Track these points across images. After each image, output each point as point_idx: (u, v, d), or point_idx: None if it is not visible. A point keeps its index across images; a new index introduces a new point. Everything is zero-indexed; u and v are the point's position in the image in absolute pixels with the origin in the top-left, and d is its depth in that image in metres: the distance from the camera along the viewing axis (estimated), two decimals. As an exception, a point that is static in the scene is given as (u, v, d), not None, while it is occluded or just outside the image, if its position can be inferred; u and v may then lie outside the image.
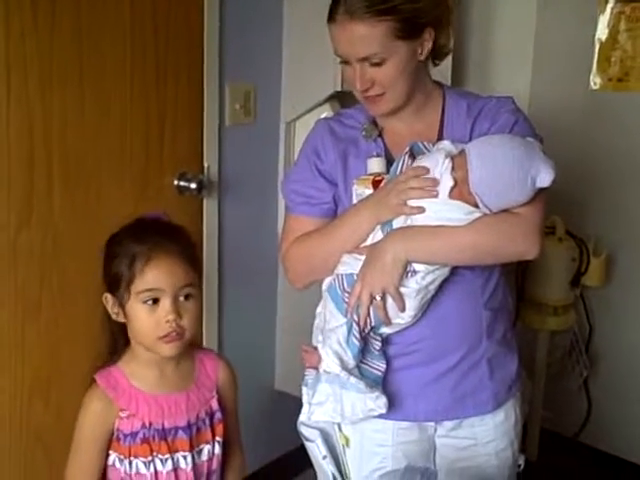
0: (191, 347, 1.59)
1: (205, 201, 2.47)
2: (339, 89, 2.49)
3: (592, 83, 2.97)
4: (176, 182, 2.36)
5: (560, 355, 3.13)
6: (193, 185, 2.35)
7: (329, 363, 1.49)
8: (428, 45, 1.57)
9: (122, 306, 1.48)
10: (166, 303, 1.46)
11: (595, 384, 3.16)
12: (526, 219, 1.50)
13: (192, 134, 2.39)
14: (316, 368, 1.54)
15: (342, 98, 2.52)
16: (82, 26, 2.04)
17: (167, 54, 2.26)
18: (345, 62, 1.56)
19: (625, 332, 3.06)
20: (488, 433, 1.69)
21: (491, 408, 1.67)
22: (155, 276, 1.45)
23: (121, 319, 1.51)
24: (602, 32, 2.92)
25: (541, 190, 1.48)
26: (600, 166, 3.00)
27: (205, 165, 2.43)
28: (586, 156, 2.99)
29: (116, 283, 1.47)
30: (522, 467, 1.81)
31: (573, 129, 3.00)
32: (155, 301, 1.46)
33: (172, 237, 1.51)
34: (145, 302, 1.46)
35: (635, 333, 3.03)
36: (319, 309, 1.60)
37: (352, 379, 1.49)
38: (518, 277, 2.99)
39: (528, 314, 2.98)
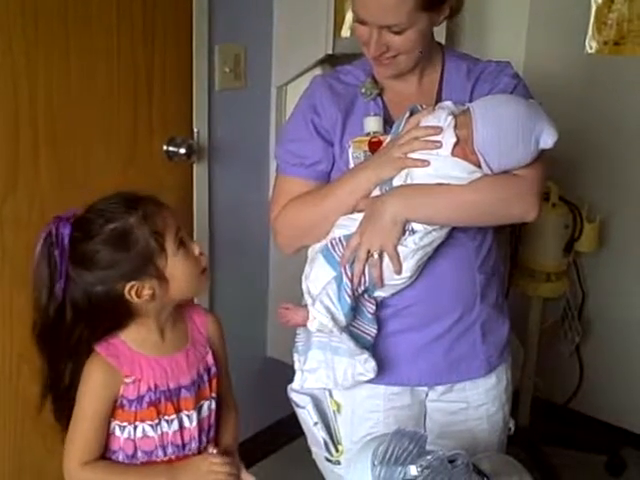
0: (181, 306, 1.59)
1: (195, 167, 2.44)
2: (331, 52, 2.45)
3: (588, 47, 2.93)
4: (165, 147, 2.33)
5: (553, 322, 3.13)
6: (182, 150, 2.31)
7: (321, 319, 1.47)
8: (445, 13, 1.56)
9: (160, 276, 1.45)
10: (188, 239, 1.50)
11: (587, 351, 3.16)
12: (527, 181, 1.49)
13: (181, 98, 2.36)
14: (300, 325, 1.53)
15: (334, 61, 2.48)
16: (67, -13, 1.99)
17: (155, 15, 2.22)
18: (361, 22, 1.53)
19: (618, 298, 3.06)
20: (479, 397, 1.70)
21: (484, 372, 1.68)
22: (171, 219, 1.47)
23: (150, 298, 1.46)
24: (598, -6, 2.88)
25: (542, 153, 1.47)
26: (595, 131, 2.97)
27: (195, 130, 2.40)
28: (581, 121, 2.96)
29: (147, 260, 1.43)
30: (512, 431, 1.82)
31: (568, 93, 2.97)
32: (181, 244, 1.47)
33: (137, 193, 1.49)
34: (177, 250, 1.46)
35: (628, 299, 3.04)
36: (306, 272, 1.58)
37: (343, 336, 1.48)
38: (511, 243, 2.98)
39: (521, 281, 2.97)
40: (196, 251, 1.50)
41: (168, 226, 1.46)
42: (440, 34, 2.52)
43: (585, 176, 3.02)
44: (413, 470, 1.19)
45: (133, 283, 1.43)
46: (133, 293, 1.44)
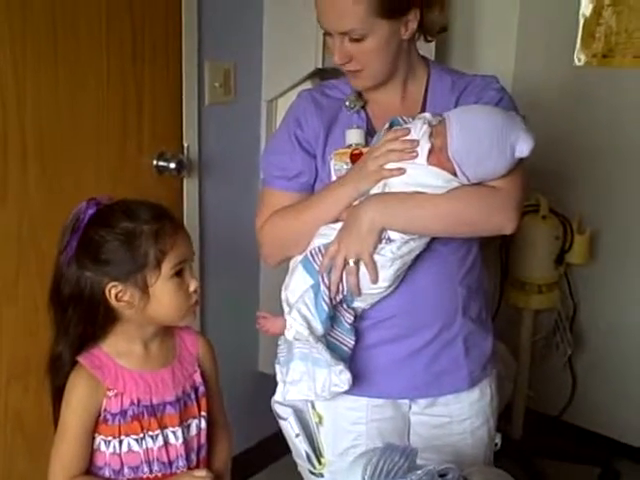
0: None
1: (185, 181, 2.44)
2: (320, 66, 2.46)
3: (576, 59, 2.95)
4: (155, 162, 2.33)
5: (544, 334, 3.13)
6: (172, 165, 2.32)
7: (297, 327, 1.47)
8: (413, 25, 1.55)
9: (144, 289, 1.45)
10: (188, 273, 1.50)
11: (579, 362, 3.16)
12: (505, 193, 1.49)
13: (171, 113, 2.36)
14: (278, 334, 1.54)
15: (323, 75, 2.49)
16: (55, 2, 1.99)
17: (144, 30, 2.22)
18: (327, 33, 1.55)
19: (609, 310, 3.06)
20: (463, 411, 1.69)
21: (466, 386, 1.67)
22: (182, 248, 1.49)
23: (127, 307, 1.47)
24: (586, 8, 2.90)
25: (520, 163, 1.47)
26: (584, 143, 2.98)
27: (185, 145, 2.40)
28: (570, 133, 2.98)
29: (138, 269, 1.44)
30: (499, 446, 1.81)
31: (557, 106, 2.98)
32: (178, 273, 1.47)
33: (167, 211, 1.52)
34: (172, 277, 1.46)
35: (619, 310, 3.04)
36: (286, 282, 1.58)
37: (319, 346, 1.47)
38: (502, 256, 2.99)
39: (512, 293, 2.98)
40: (191, 287, 1.50)
41: (174, 251, 1.46)
42: (429, 48, 2.54)
43: (575, 188, 3.03)
44: (404, 484, 1.18)
45: (116, 284, 1.44)
46: (113, 293, 1.45)
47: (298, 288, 1.53)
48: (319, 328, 1.48)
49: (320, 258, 1.52)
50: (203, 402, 1.59)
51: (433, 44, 2.64)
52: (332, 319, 1.51)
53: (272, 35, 2.57)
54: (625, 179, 2.94)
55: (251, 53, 2.57)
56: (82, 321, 1.49)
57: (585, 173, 3.01)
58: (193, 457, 1.57)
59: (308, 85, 2.51)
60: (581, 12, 2.91)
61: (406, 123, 1.54)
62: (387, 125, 1.54)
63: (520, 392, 3.04)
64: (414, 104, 1.63)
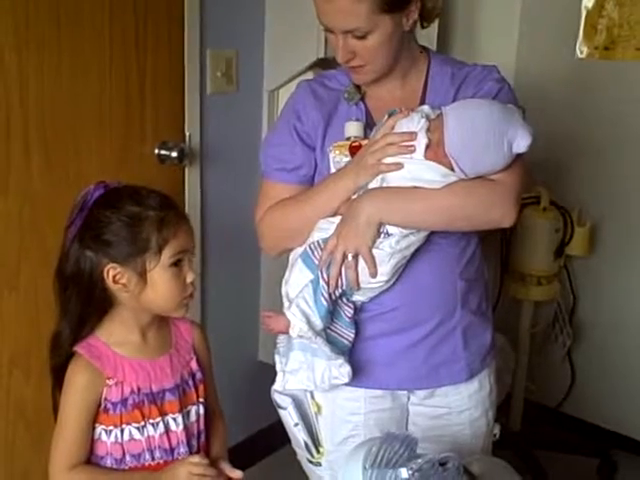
0: None
1: (187, 170, 2.44)
2: (322, 56, 2.46)
3: (578, 52, 2.95)
4: (157, 151, 2.33)
5: (544, 326, 3.14)
6: (174, 154, 2.32)
7: (296, 323, 1.48)
8: (414, 15, 1.55)
9: (142, 274, 1.46)
10: (187, 265, 1.51)
11: (579, 354, 3.17)
12: (503, 186, 1.49)
13: (173, 102, 2.36)
14: (283, 332, 1.54)
15: (325, 65, 2.48)
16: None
17: (147, 19, 2.22)
18: (329, 31, 1.54)
19: (609, 302, 3.07)
20: (462, 402, 1.70)
21: (465, 378, 1.68)
22: (184, 238, 1.50)
23: (123, 290, 1.48)
24: (588, 0, 2.89)
25: (519, 157, 1.47)
26: (585, 135, 2.98)
27: (186, 134, 2.40)
28: (571, 125, 2.98)
29: (138, 254, 1.45)
30: (497, 436, 1.81)
31: (559, 98, 2.98)
32: (176, 264, 1.49)
33: (173, 201, 1.54)
34: (171, 266, 1.48)
35: (619, 302, 3.04)
36: (286, 277, 1.59)
37: (319, 340, 1.48)
38: (502, 248, 2.99)
39: (512, 285, 2.98)
40: (188, 278, 1.51)
41: (176, 241, 1.48)
42: (432, 38, 2.54)
43: (576, 180, 3.03)
44: (404, 473, 1.19)
45: (115, 265, 1.46)
46: (111, 275, 1.46)
47: (298, 283, 1.53)
48: (318, 323, 1.49)
49: (319, 252, 1.52)
50: (201, 388, 1.61)
51: (435, 36, 2.64)
52: (332, 313, 1.52)
53: (274, 25, 2.57)
54: (626, 171, 2.94)
55: (253, 43, 2.57)
56: (80, 300, 1.50)
57: (586, 165, 3.01)
58: (194, 443, 1.58)
59: (310, 75, 2.51)
60: (583, 4, 2.90)
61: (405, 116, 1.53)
62: (386, 117, 1.54)
63: (519, 384, 3.05)
64: (413, 96, 1.63)
